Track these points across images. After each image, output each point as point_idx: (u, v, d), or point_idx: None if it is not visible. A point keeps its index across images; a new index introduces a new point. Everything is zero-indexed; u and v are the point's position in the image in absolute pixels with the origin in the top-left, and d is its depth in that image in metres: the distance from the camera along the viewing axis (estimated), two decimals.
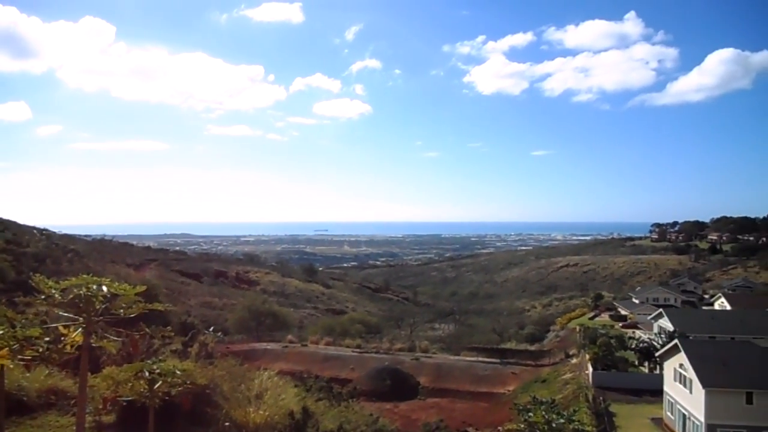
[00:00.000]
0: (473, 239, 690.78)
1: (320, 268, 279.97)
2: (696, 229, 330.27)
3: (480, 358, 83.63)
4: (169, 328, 31.99)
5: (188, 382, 26.95)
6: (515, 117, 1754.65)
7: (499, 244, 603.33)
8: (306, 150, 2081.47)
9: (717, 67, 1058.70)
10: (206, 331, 72.27)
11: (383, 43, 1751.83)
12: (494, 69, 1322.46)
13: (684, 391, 42.52)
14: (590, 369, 62.61)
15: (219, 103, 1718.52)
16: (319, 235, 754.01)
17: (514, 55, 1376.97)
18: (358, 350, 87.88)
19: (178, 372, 25.63)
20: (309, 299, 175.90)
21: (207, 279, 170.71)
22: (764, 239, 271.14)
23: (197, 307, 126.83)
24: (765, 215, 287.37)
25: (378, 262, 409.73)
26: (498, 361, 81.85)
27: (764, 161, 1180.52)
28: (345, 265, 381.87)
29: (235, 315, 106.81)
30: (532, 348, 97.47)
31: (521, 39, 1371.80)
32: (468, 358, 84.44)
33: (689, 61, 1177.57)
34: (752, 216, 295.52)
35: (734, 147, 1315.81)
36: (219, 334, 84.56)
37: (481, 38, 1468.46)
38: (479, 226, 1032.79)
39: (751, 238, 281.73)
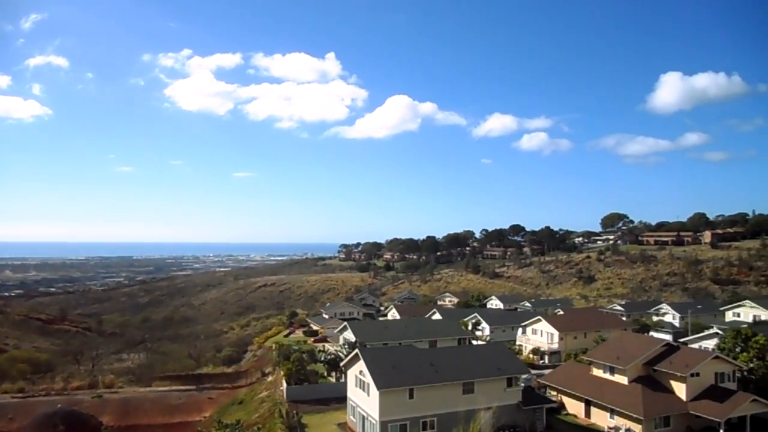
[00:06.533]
0: (169, 261, 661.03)
1: None
2: (375, 249, 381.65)
3: (174, 387, 79.86)
4: None
5: None
6: (219, 137, 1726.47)
7: (197, 265, 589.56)
8: None
9: (395, 110, 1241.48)
10: None
11: (73, 40, 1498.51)
12: (199, 86, 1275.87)
13: (363, 395, 48.23)
14: (284, 385, 65.76)
15: None
16: None
17: (221, 74, 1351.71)
18: (20, 395, 75.27)
19: None
20: None
21: None
22: (424, 258, 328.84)
23: None
24: (424, 238, 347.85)
25: (53, 289, 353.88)
26: (194, 387, 79.44)
27: (424, 193, 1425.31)
28: (6, 294, 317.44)
29: None
30: (230, 370, 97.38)
31: (229, 60, 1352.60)
32: (160, 389, 79.80)
33: (375, 102, 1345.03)
34: (416, 238, 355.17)
35: (405, 178, 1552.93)
36: None
37: (186, 52, 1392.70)
38: (176, 247, 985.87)
39: (415, 257, 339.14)
